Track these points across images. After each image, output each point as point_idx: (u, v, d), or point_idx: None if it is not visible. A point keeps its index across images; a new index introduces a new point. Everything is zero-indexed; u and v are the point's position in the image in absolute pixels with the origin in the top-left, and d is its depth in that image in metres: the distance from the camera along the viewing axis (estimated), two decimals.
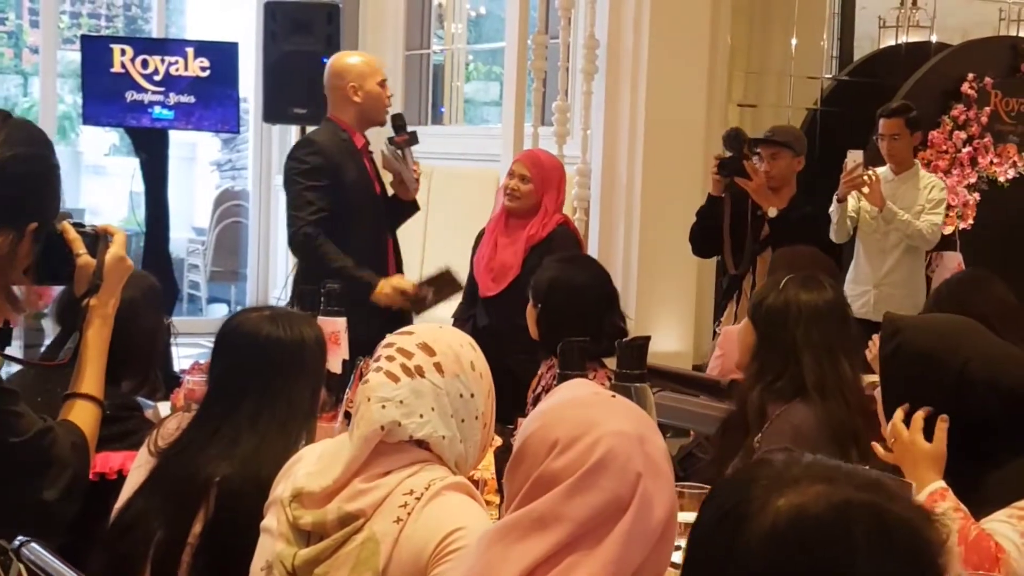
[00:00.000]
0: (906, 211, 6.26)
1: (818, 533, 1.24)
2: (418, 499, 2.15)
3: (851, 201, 6.12)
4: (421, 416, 2.23)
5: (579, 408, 1.82)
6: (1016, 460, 2.54)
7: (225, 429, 2.66)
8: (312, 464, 2.30)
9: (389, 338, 2.34)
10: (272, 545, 2.25)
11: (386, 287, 4.99)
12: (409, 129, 5.34)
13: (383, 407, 2.23)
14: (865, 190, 6.04)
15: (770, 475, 1.30)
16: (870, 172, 6.05)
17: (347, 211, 5.09)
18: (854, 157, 5.99)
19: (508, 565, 1.72)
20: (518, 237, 5.16)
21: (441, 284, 5.15)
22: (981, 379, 2.57)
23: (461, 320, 5.32)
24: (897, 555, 1.24)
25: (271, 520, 2.29)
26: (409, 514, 2.14)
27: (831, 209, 6.18)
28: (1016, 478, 2.53)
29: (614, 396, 1.86)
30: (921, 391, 2.61)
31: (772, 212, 5.75)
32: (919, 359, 2.63)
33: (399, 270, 5.41)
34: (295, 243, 5.14)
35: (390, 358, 2.28)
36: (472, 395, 2.28)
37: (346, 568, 2.15)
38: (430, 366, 2.26)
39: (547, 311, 3.85)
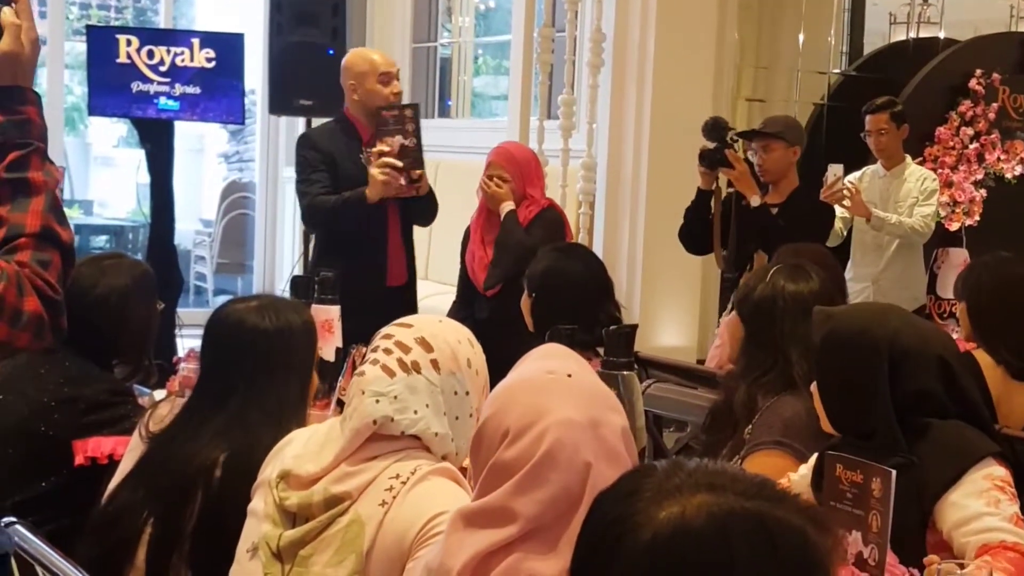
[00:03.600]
0: (901, 203, 6.28)
1: (697, 546, 1.22)
2: (404, 483, 2.16)
3: (838, 209, 6.09)
4: (415, 412, 2.23)
5: (531, 393, 1.82)
6: (939, 425, 2.63)
7: (214, 422, 2.66)
8: (300, 447, 2.30)
9: (387, 329, 2.33)
10: (258, 527, 2.25)
11: (373, 175, 5.06)
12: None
13: (377, 401, 2.23)
14: (847, 203, 6.01)
15: (652, 485, 1.27)
16: (850, 185, 6.03)
17: None
18: (835, 171, 5.96)
19: (463, 553, 1.74)
20: None
21: (403, 119, 5.12)
22: (912, 346, 2.67)
23: (458, 319, 5.29)
24: (781, 563, 1.22)
25: (258, 502, 2.29)
26: (394, 497, 2.15)
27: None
28: (939, 441, 2.60)
29: (570, 375, 1.85)
30: (858, 370, 2.68)
31: (755, 201, 5.59)
32: (853, 337, 2.72)
33: (410, 263, 5.44)
34: (308, 213, 5.29)
35: (387, 351, 2.27)
36: (467, 392, 2.28)
37: (331, 550, 2.15)
38: (427, 362, 2.25)
39: (541, 300, 3.85)
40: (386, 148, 5.06)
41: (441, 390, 2.25)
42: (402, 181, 5.14)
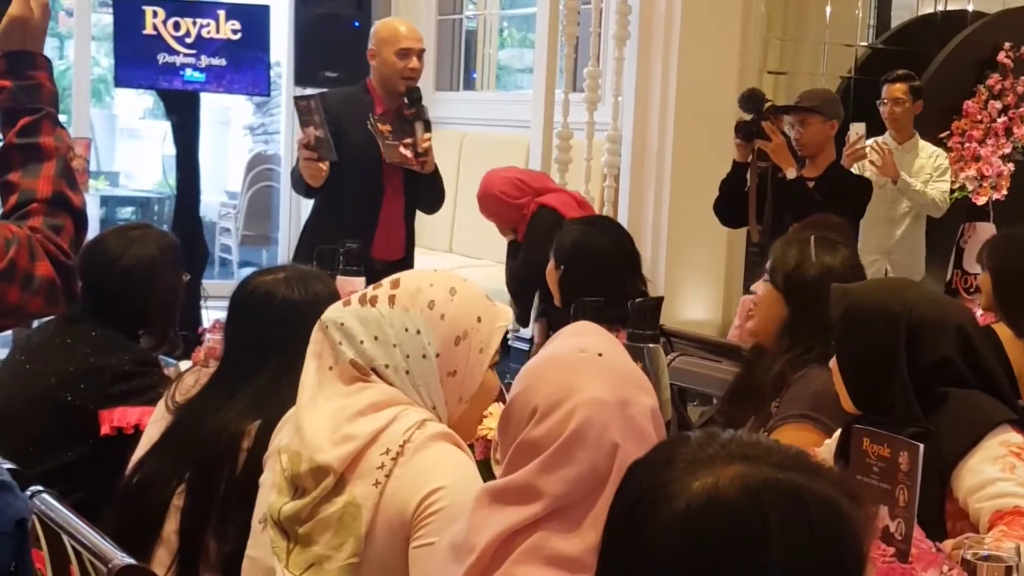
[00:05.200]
0: (914, 178, 6.34)
1: (731, 516, 1.22)
2: (394, 458, 2.12)
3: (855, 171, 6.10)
4: (361, 342, 2.20)
5: (561, 371, 1.81)
6: (956, 395, 2.63)
7: (243, 392, 2.65)
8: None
9: None
10: (267, 497, 2.24)
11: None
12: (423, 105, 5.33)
13: (327, 327, 2.23)
14: (876, 159, 5.99)
15: (686, 455, 1.27)
16: (882, 144, 6.03)
17: (343, 169, 5.17)
18: (856, 129, 5.97)
19: (488, 531, 1.75)
20: None
21: (310, 110, 5.08)
22: (931, 319, 2.68)
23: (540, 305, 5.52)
24: (815, 535, 1.22)
25: (267, 473, 2.29)
26: (387, 476, 2.11)
27: None
28: (955, 410, 2.60)
29: (601, 354, 1.84)
30: (876, 344, 2.68)
31: (791, 173, 5.59)
32: (870, 312, 2.72)
33: (409, 240, 5.45)
34: (292, 175, 5.36)
35: (364, 291, 2.29)
36: (418, 331, 2.21)
37: (330, 532, 2.12)
38: (385, 297, 2.23)
39: (569, 273, 3.84)
40: (303, 140, 5.07)
41: (390, 323, 2.21)
42: (408, 153, 5.15)
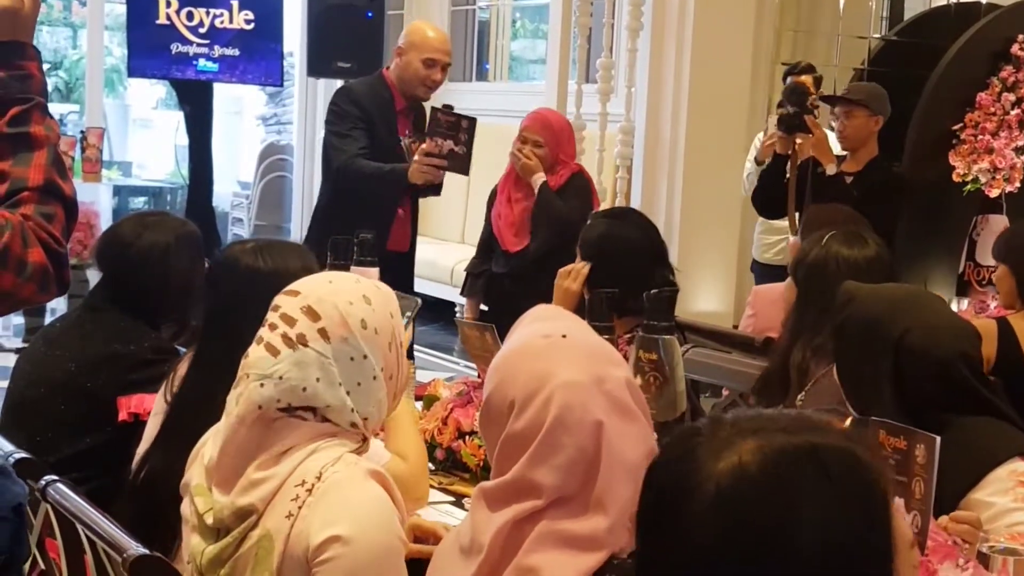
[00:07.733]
0: None
1: (758, 488, 1.26)
2: (309, 491, 2.02)
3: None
4: (304, 389, 2.06)
5: (531, 360, 1.82)
6: (956, 424, 2.51)
7: (230, 370, 2.51)
8: (214, 447, 2.14)
9: (276, 300, 2.16)
10: (188, 536, 2.15)
11: (414, 162, 5.11)
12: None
13: (261, 385, 2.07)
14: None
15: (704, 443, 1.31)
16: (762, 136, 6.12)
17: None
18: (772, 122, 6.00)
19: (492, 524, 1.78)
20: (531, 192, 5.26)
21: (457, 128, 5.16)
22: (917, 348, 2.59)
23: (474, 274, 5.47)
24: (840, 486, 1.27)
25: (186, 506, 2.17)
26: (300, 508, 2.01)
27: (747, 171, 6.35)
28: (957, 443, 2.43)
29: (565, 336, 1.85)
30: (867, 359, 2.64)
31: (831, 169, 5.57)
32: (865, 327, 2.67)
33: (413, 232, 5.51)
34: (341, 172, 5.30)
35: (273, 326, 2.10)
36: (365, 356, 2.09)
37: (248, 569, 2.04)
38: (314, 333, 2.07)
39: (598, 267, 3.79)
40: (434, 149, 5.11)
41: (333, 359, 2.07)
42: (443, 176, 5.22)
